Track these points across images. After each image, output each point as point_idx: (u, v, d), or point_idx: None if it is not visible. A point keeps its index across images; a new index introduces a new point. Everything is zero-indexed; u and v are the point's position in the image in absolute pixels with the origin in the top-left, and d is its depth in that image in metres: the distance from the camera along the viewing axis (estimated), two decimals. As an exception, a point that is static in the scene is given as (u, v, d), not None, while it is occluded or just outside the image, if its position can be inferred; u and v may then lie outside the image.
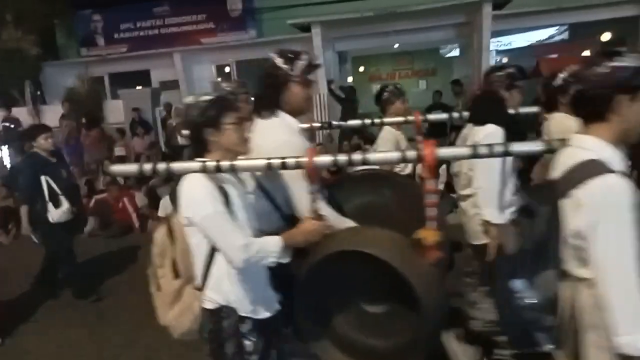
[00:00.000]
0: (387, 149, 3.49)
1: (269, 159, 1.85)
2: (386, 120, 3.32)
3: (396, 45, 13.24)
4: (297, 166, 1.85)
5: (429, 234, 1.82)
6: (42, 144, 4.53)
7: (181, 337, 2.03)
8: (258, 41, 11.87)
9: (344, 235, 2.00)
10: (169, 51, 12.27)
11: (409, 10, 10.30)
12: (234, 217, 1.82)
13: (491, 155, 1.76)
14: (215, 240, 1.83)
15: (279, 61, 2.11)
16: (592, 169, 1.45)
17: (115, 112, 11.38)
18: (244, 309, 1.92)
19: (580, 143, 1.55)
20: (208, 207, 1.79)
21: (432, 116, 3.32)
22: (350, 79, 13.61)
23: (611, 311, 1.40)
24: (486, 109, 2.62)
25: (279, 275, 2.00)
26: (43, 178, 4.46)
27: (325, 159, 1.84)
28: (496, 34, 11.21)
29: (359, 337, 2.15)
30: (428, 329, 1.90)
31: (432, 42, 13.06)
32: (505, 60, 13.47)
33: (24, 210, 4.51)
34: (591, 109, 1.53)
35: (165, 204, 7.25)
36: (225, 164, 1.83)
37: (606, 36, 11.74)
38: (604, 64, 1.48)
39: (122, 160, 9.89)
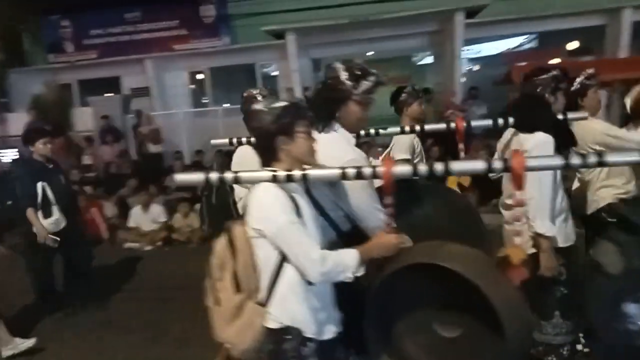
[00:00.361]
0: (404, 153, 3.32)
1: (343, 168, 1.75)
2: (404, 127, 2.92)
3: (371, 53, 13.31)
4: (374, 176, 1.74)
5: (515, 252, 1.71)
6: (40, 149, 4.30)
7: (242, 356, 1.88)
8: (232, 48, 11.76)
9: (424, 249, 1.90)
10: (140, 57, 12.03)
11: (383, 17, 10.36)
12: (305, 229, 1.75)
13: (585, 165, 1.66)
14: (290, 252, 1.73)
15: (344, 76, 2.04)
16: None
17: (84, 119, 11.09)
18: (310, 329, 1.81)
19: None
20: (283, 217, 1.71)
21: (476, 123, 2.87)
22: (325, 87, 13.62)
23: None
24: (534, 114, 2.44)
25: (344, 292, 1.90)
26: (40, 185, 4.22)
27: (405, 168, 1.72)
28: (468, 42, 11.36)
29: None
30: (513, 347, 1.73)
31: (406, 50, 13.15)
32: (476, 68, 13.66)
33: (31, 214, 4.17)
34: None
35: (135, 214, 7.07)
36: (297, 173, 1.75)
37: (573, 44, 12.02)
38: None
39: (89, 169, 9.63)
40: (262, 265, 1.81)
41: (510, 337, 1.68)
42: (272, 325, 1.81)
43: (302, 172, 1.76)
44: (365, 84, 2.05)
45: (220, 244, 1.88)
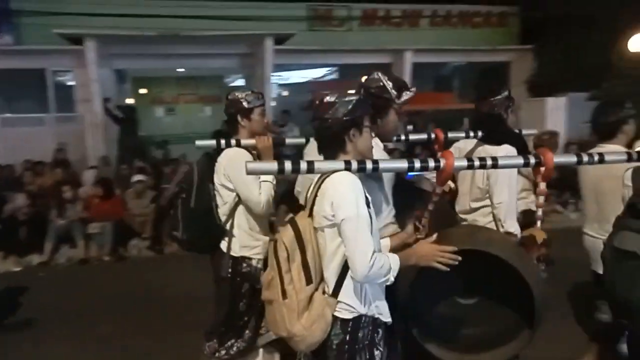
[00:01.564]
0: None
1: (410, 160, 1.88)
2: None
3: (181, 69, 12.90)
4: (436, 168, 1.89)
5: (538, 233, 2.15)
6: None
7: (308, 349, 1.82)
8: (16, 49, 10.18)
9: (460, 236, 2.17)
10: None
11: (194, 34, 10.15)
12: (371, 222, 1.77)
13: (592, 162, 2.08)
14: (350, 244, 1.72)
15: (389, 85, 2.15)
16: None
17: None
18: (384, 314, 1.87)
19: None
20: (357, 209, 1.72)
21: (453, 134, 3.08)
22: (131, 101, 12.74)
23: None
24: (498, 129, 2.72)
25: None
26: None
27: (462, 163, 1.96)
28: (278, 67, 11.84)
29: (455, 328, 2.30)
30: (539, 316, 2.09)
31: (217, 70, 13.13)
32: (285, 93, 14.34)
33: None
34: None
35: None
36: (369, 164, 1.78)
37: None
38: None
39: None
40: (330, 255, 1.79)
41: (538, 302, 2.06)
42: (345, 315, 1.80)
43: (372, 164, 1.80)
44: (407, 95, 2.22)
45: (288, 236, 1.80)
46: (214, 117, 12.81)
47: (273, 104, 11.64)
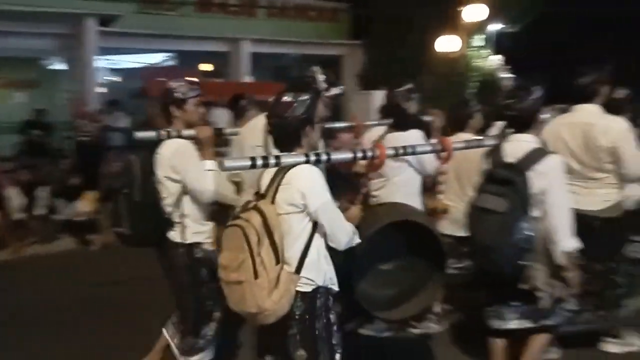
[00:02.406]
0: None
1: (354, 151, 2.32)
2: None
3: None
4: (373, 157, 2.27)
5: (440, 204, 2.92)
6: None
7: (273, 321, 2.01)
8: None
9: (385, 212, 2.70)
10: None
11: (1, 9, 8.79)
12: None
13: (480, 146, 2.77)
14: (330, 225, 2.06)
15: (321, 78, 2.43)
16: (541, 152, 2.54)
17: None
18: (334, 285, 2.16)
19: (524, 139, 2.61)
20: (326, 194, 2.04)
21: (372, 123, 3.47)
22: None
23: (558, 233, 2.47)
24: (407, 116, 3.12)
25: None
26: None
27: (390, 152, 2.36)
28: (105, 51, 10.90)
29: (381, 289, 2.72)
30: (444, 261, 2.70)
31: (32, 51, 11.58)
32: (116, 79, 13.26)
33: None
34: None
35: None
36: (324, 156, 2.08)
37: (207, 66, 13.19)
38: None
39: None
40: (295, 237, 2.04)
41: (444, 255, 2.67)
42: (306, 288, 2.06)
43: (326, 155, 2.11)
44: (335, 90, 2.49)
45: (256, 220, 1.97)
46: (29, 104, 11.33)
47: (102, 90, 10.71)
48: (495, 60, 11.97)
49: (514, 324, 2.70)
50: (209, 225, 2.85)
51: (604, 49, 15.93)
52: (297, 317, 2.06)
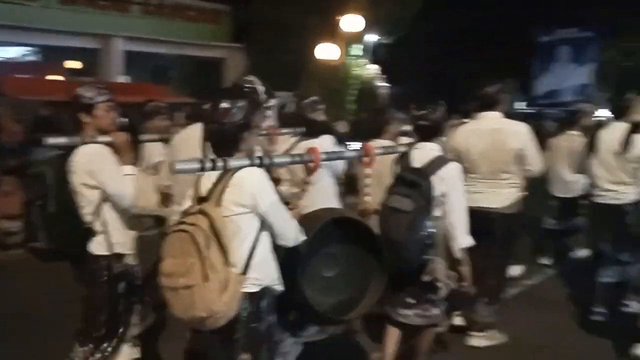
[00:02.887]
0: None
1: (292, 155, 2.52)
2: None
3: None
4: (309, 161, 2.34)
5: (370, 204, 2.76)
6: None
7: (223, 323, 2.00)
8: None
9: (322, 213, 2.57)
10: None
11: None
12: None
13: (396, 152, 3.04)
14: (279, 223, 2.13)
15: (260, 90, 2.32)
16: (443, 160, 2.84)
17: None
18: (278, 284, 2.17)
19: (430, 147, 2.88)
20: (274, 195, 2.11)
21: (285, 130, 3.43)
22: None
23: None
24: (316, 125, 3.33)
25: None
26: None
27: (323, 156, 2.44)
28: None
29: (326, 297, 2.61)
30: (384, 258, 2.61)
31: None
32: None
33: None
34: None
35: None
36: (266, 160, 2.22)
37: (74, 64, 12.10)
38: None
39: None
40: (242, 239, 2.05)
41: (385, 255, 2.60)
42: (252, 289, 2.07)
43: (270, 159, 2.24)
44: (271, 101, 2.45)
45: (204, 223, 1.98)
46: None
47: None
48: (372, 69, 12.61)
49: (410, 319, 2.97)
50: (132, 235, 2.76)
51: (472, 61, 17.70)
52: (243, 318, 2.07)
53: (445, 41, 16.61)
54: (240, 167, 2.07)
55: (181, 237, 1.99)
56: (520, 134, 3.48)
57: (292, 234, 2.19)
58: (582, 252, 5.35)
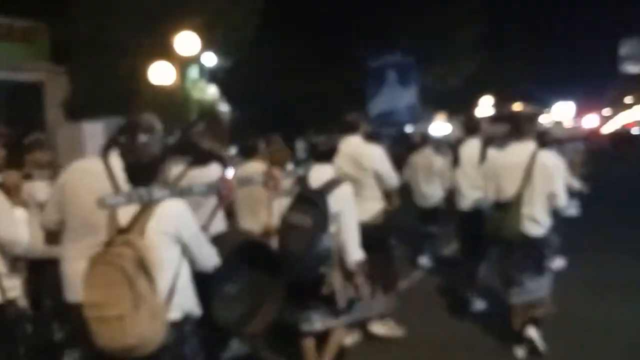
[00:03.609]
0: None
1: (208, 185, 2.67)
2: None
3: None
4: (225, 191, 2.69)
5: (269, 226, 3.13)
6: None
7: (152, 350, 2.07)
8: None
9: (225, 238, 2.82)
10: None
11: None
12: None
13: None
14: (200, 251, 2.33)
15: (158, 125, 2.47)
16: (337, 181, 3.22)
17: None
18: (198, 309, 2.33)
19: (324, 170, 3.30)
20: (196, 224, 2.35)
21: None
22: None
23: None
24: (204, 153, 3.12)
25: None
26: None
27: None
28: None
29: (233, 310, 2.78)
30: (281, 273, 2.89)
31: None
32: None
33: None
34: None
35: None
36: (186, 191, 2.45)
37: None
38: None
39: None
40: (167, 267, 2.17)
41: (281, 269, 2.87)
42: (176, 315, 2.20)
43: (190, 189, 2.50)
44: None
45: (129, 254, 2.04)
46: None
47: None
48: (212, 92, 12.24)
49: (318, 325, 3.23)
50: (21, 279, 2.80)
51: (310, 84, 18.31)
52: (169, 344, 2.13)
53: (284, 65, 17.03)
54: (163, 198, 2.21)
55: (107, 268, 2.03)
56: (374, 156, 3.99)
57: (211, 261, 2.40)
58: (452, 250, 6.28)
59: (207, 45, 10.30)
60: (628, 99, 45.18)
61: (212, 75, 11.82)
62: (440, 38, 19.20)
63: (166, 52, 9.16)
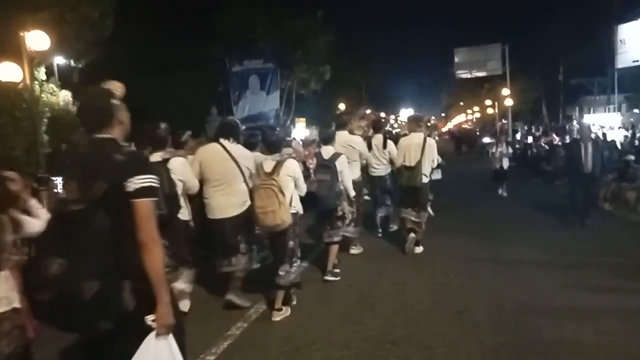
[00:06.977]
0: None
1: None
2: None
3: None
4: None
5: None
6: None
7: (285, 227, 4.50)
8: None
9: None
10: None
11: None
12: None
13: None
14: (300, 185, 4.83)
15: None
16: (338, 154, 5.73)
17: None
18: (301, 210, 4.96)
19: (328, 149, 5.78)
20: (300, 172, 4.91)
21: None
22: None
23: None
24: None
25: None
26: None
27: None
28: None
29: None
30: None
31: None
32: None
33: None
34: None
35: None
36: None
37: None
38: None
39: None
40: (288, 189, 4.71)
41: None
42: (293, 211, 4.76)
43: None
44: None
45: (275, 184, 4.53)
46: None
47: None
48: (64, 95, 11.20)
49: (337, 238, 5.81)
50: (188, 208, 4.67)
51: (174, 88, 17.62)
52: (291, 224, 4.61)
53: (141, 68, 16.20)
54: (284, 159, 4.58)
55: (266, 190, 4.37)
56: (358, 142, 6.60)
57: (304, 190, 4.77)
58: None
59: (60, 45, 9.40)
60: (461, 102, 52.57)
61: (63, 78, 10.82)
62: (297, 44, 19.91)
63: (13, 50, 8.15)
